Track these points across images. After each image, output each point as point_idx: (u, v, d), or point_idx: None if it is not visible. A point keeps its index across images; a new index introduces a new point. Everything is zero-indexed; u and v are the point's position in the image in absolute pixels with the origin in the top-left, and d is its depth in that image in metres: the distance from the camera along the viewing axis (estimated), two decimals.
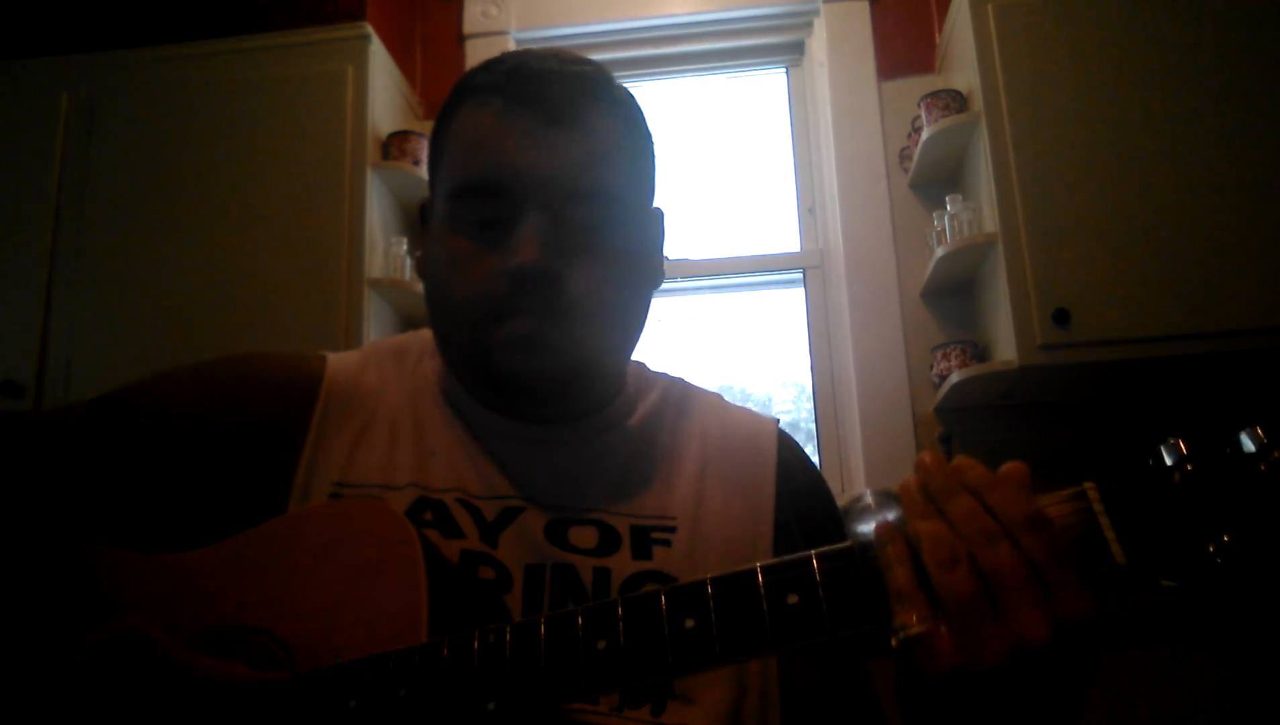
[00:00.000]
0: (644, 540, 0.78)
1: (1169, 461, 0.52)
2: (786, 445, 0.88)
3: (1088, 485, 0.52)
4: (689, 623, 0.53)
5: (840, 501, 0.58)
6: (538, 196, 0.74)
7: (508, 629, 0.57)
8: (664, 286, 0.89)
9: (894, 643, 0.51)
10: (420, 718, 0.56)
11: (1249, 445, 0.51)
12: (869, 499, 0.51)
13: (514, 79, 0.76)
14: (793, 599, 0.52)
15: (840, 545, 0.54)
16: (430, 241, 0.82)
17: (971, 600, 0.50)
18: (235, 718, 0.61)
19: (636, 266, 0.81)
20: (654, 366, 0.92)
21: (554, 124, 0.75)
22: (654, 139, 0.85)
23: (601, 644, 0.54)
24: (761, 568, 0.54)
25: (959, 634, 0.50)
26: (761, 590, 0.53)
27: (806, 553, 0.54)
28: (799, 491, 0.85)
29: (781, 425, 0.90)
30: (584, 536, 0.77)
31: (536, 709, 0.54)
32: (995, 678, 0.50)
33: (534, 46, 0.83)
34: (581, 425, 0.82)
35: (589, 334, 0.77)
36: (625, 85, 0.83)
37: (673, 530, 0.79)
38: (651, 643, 0.53)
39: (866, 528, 0.54)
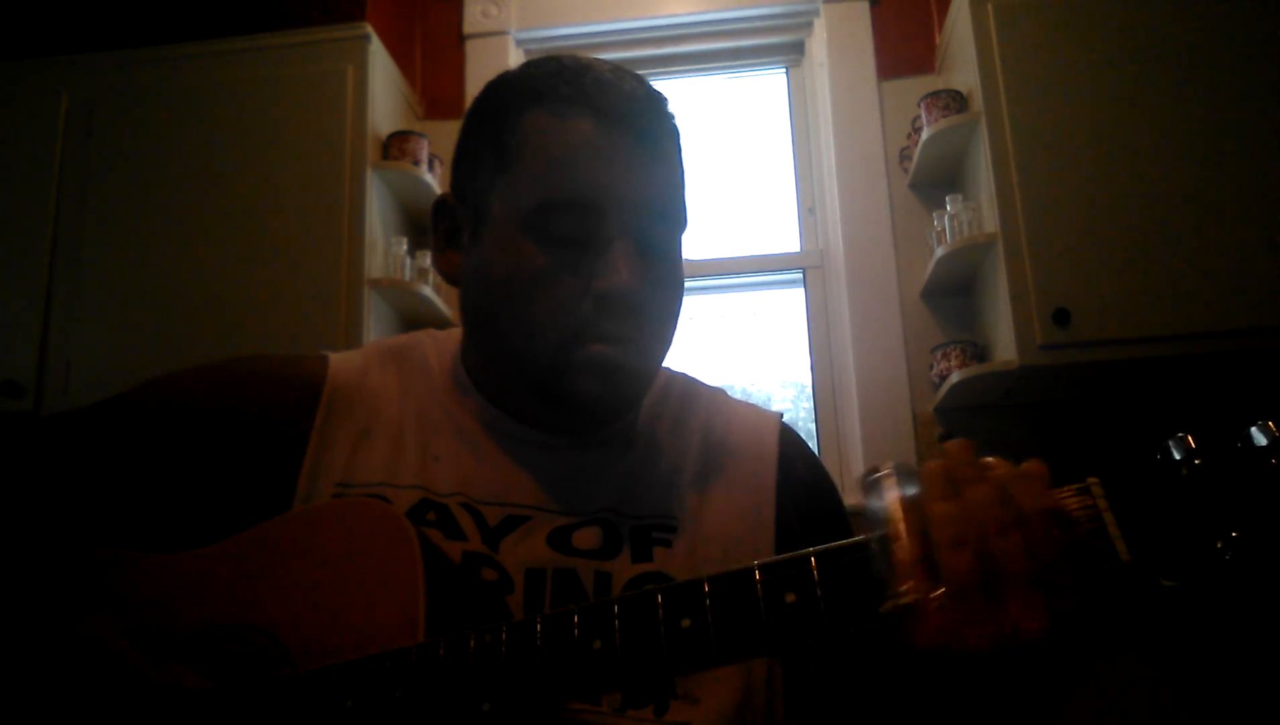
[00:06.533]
0: (644, 541, 0.78)
1: (1177, 456, 0.51)
2: (789, 439, 0.87)
3: (1091, 480, 0.51)
4: (685, 623, 0.53)
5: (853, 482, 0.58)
6: (628, 219, 0.74)
7: (504, 629, 0.57)
8: None
9: (886, 607, 0.50)
10: (416, 718, 0.56)
11: (1260, 439, 0.49)
12: (889, 471, 0.49)
13: (605, 96, 0.75)
14: (790, 597, 0.52)
15: (836, 544, 0.54)
16: (487, 248, 0.78)
17: (970, 581, 0.49)
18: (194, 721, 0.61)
19: (684, 284, 0.82)
20: None
21: (645, 146, 0.75)
22: None
23: (597, 644, 0.54)
24: (759, 566, 0.54)
25: (952, 612, 0.49)
26: (759, 589, 0.53)
27: (805, 551, 0.54)
28: (800, 485, 0.84)
29: (786, 420, 0.90)
30: (587, 538, 0.77)
31: (532, 710, 0.54)
32: (978, 665, 0.49)
33: (579, 54, 0.81)
34: (598, 430, 0.82)
35: (658, 356, 0.79)
36: None
37: (673, 530, 0.78)
38: (647, 642, 0.53)
39: (881, 503, 0.53)
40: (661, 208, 0.76)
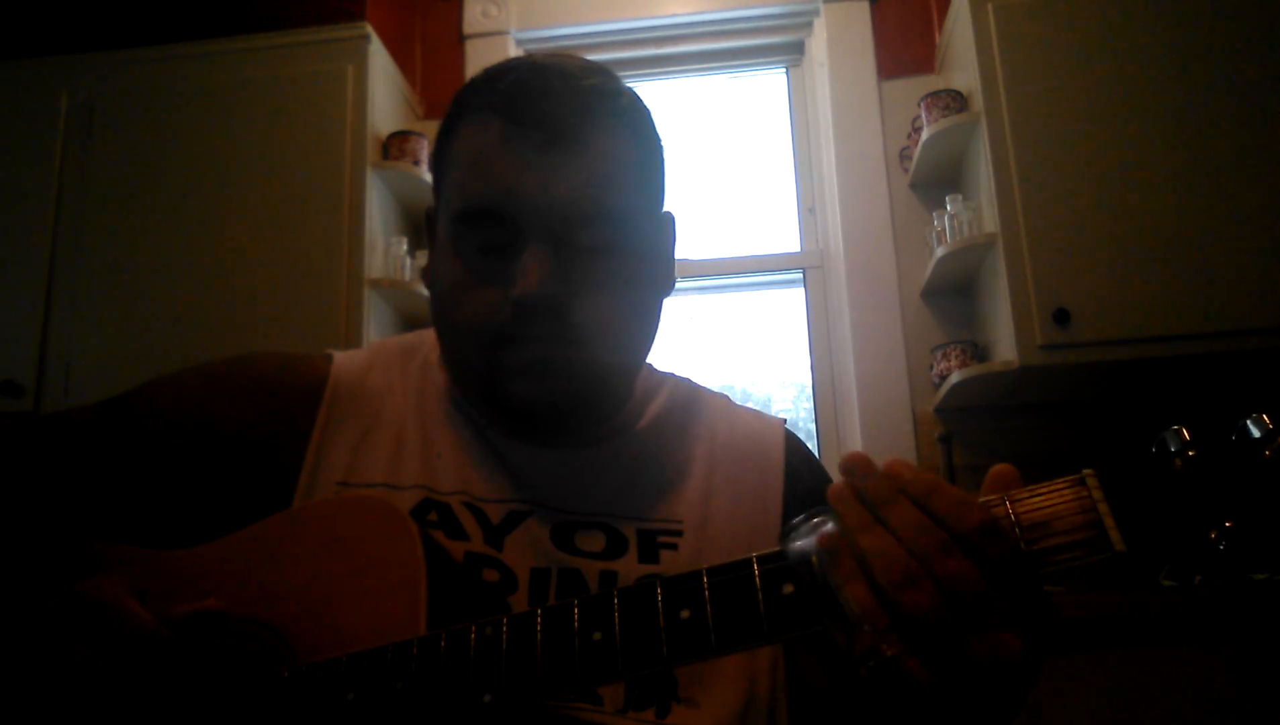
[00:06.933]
0: (650, 544, 0.78)
1: (1172, 448, 0.51)
2: (794, 447, 0.88)
3: (1087, 472, 0.51)
4: (684, 613, 0.53)
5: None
6: (540, 223, 0.73)
7: (504, 621, 0.57)
8: None
9: (863, 672, 0.48)
10: (417, 710, 0.56)
11: (1254, 431, 0.50)
12: (800, 519, 0.49)
13: (513, 99, 0.74)
14: (788, 588, 0.52)
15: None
16: (435, 256, 0.81)
17: (940, 619, 0.47)
18: (214, 692, 0.61)
19: (646, 280, 0.80)
20: (660, 366, 0.92)
21: (555, 147, 0.73)
22: (663, 144, 0.83)
23: (597, 635, 0.54)
24: (757, 557, 0.54)
25: (932, 655, 0.47)
26: (757, 580, 0.53)
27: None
28: (807, 494, 0.84)
29: (789, 426, 0.90)
30: (591, 541, 0.77)
31: (532, 701, 0.54)
32: (968, 692, 0.48)
33: (538, 53, 0.80)
34: (589, 430, 0.82)
35: (598, 357, 0.76)
36: (633, 90, 0.81)
37: (679, 534, 0.78)
38: (647, 634, 0.53)
39: (807, 542, 0.52)
40: (585, 206, 0.73)
